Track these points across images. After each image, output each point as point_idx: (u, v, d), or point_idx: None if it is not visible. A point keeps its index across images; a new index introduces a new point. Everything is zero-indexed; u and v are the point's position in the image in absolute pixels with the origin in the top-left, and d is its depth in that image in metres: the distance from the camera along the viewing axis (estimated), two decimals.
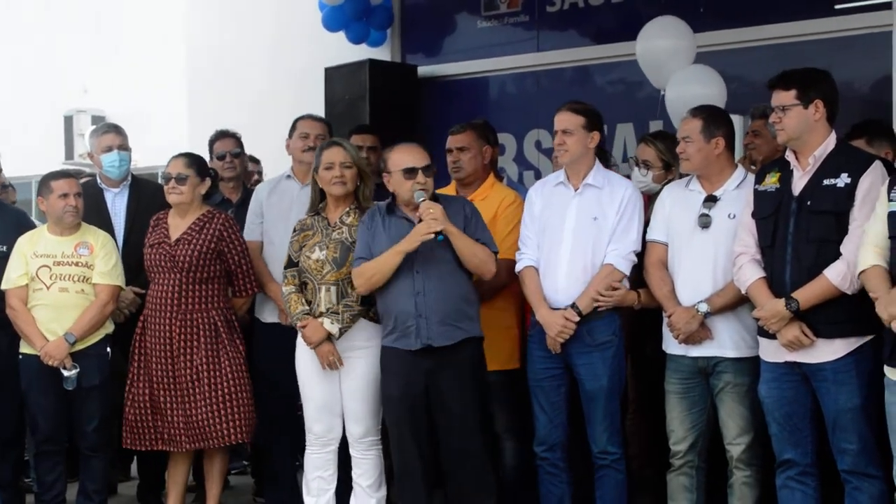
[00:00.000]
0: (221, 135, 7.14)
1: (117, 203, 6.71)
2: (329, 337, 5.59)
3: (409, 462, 5.51)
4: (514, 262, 5.73)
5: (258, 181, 7.80)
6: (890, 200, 4.55)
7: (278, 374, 6.19)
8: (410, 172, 5.46)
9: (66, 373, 6.05)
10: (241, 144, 7.12)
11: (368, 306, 5.61)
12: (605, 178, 5.50)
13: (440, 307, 5.42)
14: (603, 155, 5.69)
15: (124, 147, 6.72)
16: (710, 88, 6.61)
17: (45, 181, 6.23)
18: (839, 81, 5.04)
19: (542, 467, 5.60)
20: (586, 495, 5.60)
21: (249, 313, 6.47)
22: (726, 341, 5.23)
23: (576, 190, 5.51)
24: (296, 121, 6.55)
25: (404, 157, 5.51)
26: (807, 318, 4.80)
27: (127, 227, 6.63)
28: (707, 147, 5.29)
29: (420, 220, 5.38)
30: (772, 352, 4.96)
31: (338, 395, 5.73)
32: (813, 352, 4.83)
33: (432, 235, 5.32)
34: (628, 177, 6.00)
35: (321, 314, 5.62)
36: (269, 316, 6.37)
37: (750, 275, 5.00)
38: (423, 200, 5.41)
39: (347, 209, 5.74)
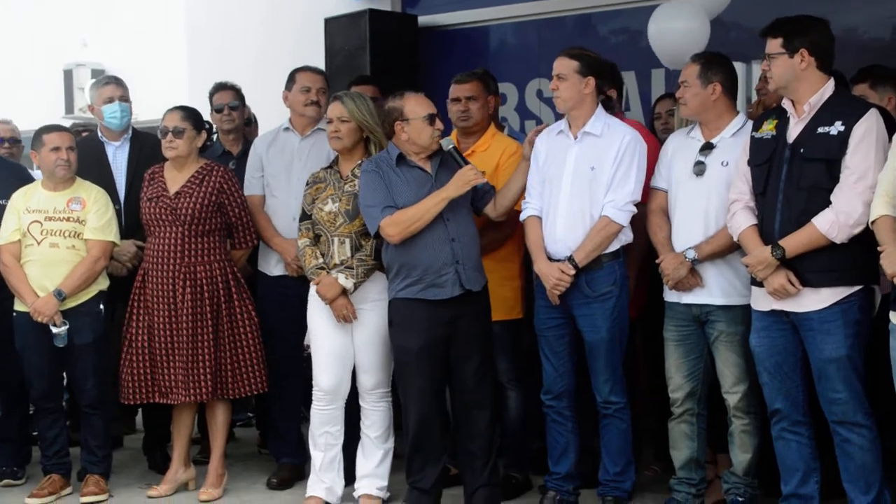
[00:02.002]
0: (220, 87, 7.10)
1: (118, 156, 6.69)
2: (343, 291, 5.60)
3: (427, 413, 5.54)
4: (516, 213, 5.73)
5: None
6: None
7: (283, 327, 6.22)
8: (432, 119, 5.49)
9: (55, 329, 6.02)
10: (240, 97, 7.08)
11: (381, 260, 5.63)
12: (605, 125, 5.44)
13: (472, 253, 5.50)
14: (607, 102, 5.66)
15: (125, 98, 6.70)
16: (692, 22, 6.56)
17: (38, 135, 6.19)
18: (843, 27, 5.00)
19: (548, 415, 5.62)
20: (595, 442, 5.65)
21: (251, 265, 6.46)
22: (715, 289, 5.24)
23: (575, 138, 5.48)
24: (294, 72, 6.48)
25: (422, 104, 5.55)
26: (794, 266, 4.79)
27: (128, 181, 6.60)
28: (704, 92, 5.27)
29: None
30: (761, 300, 4.96)
31: (350, 347, 5.76)
32: (800, 300, 4.82)
33: (482, 181, 5.43)
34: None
35: (335, 266, 5.63)
36: (274, 269, 6.36)
37: (742, 222, 4.99)
38: (454, 147, 5.51)
39: (359, 162, 5.74)
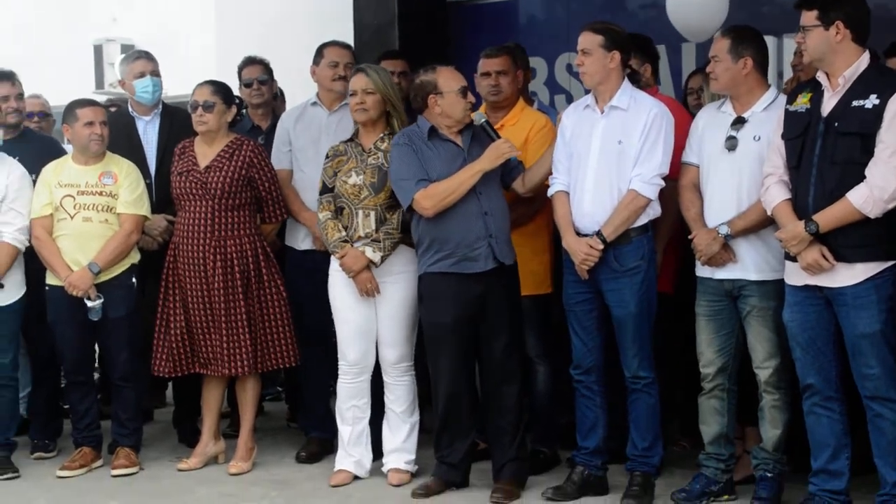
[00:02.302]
0: (249, 61, 7.11)
1: (149, 131, 6.70)
2: (368, 265, 5.61)
3: (457, 388, 5.57)
4: (545, 187, 5.72)
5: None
6: None
7: (311, 302, 6.22)
8: (465, 92, 5.53)
9: (90, 303, 6.06)
10: (269, 71, 7.09)
11: (407, 233, 5.64)
12: (631, 98, 5.42)
13: (504, 226, 5.53)
14: (633, 75, 5.64)
15: (156, 73, 6.71)
16: None
17: (71, 109, 6.20)
18: (873, 2, 4.95)
19: (577, 390, 5.62)
20: (623, 418, 5.62)
21: (279, 239, 6.48)
22: (749, 264, 5.22)
23: (601, 113, 5.46)
24: (321, 47, 6.49)
25: (455, 78, 5.58)
26: (828, 241, 4.75)
27: (159, 156, 6.62)
28: (735, 67, 5.22)
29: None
30: (795, 275, 4.93)
31: (373, 320, 5.78)
32: (834, 276, 4.79)
33: (517, 153, 5.49)
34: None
35: (359, 238, 5.65)
36: (302, 243, 6.37)
37: (776, 196, 4.96)
38: (486, 120, 5.56)
39: (382, 135, 5.75)
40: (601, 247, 5.32)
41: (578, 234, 5.41)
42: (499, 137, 5.52)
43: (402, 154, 5.53)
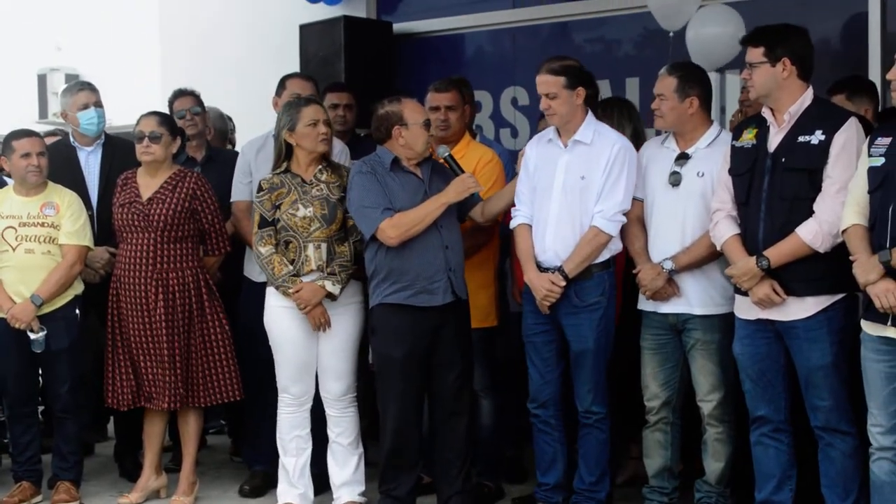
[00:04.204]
0: (180, 93, 7.05)
1: (91, 162, 6.64)
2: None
3: (407, 421, 5.52)
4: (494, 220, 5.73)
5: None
6: (870, 156, 4.54)
7: (266, 333, 6.16)
8: (428, 125, 5.52)
9: (33, 335, 5.99)
10: (200, 102, 7.02)
11: (360, 265, 5.62)
12: (594, 132, 5.42)
13: (461, 260, 5.52)
14: (595, 108, 5.66)
15: (100, 104, 6.65)
16: (728, 27, 6.52)
17: (8, 140, 6.13)
18: (816, 38, 5.02)
19: (534, 425, 5.60)
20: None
21: (224, 272, 6.41)
22: (693, 299, 5.25)
23: (565, 147, 5.46)
24: (284, 79, 6.46)
25: (419, 110, 5.57)
26: (779, 275, 4.80)
27: (101, 186, 6.55)
28: (681, 107, 5.27)
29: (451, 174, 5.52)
30: (745, 309, 4.98)
31: (315, 353, 5.74)
32: (785, 309, 4.84)
33: (481, 188, 5.50)
34: None
35: (310, 271, 5.60)
36: (260, 275, 6.25)
37: (724, 231, 5.00)
38: (450, 154, 5.54)
39: (320, 167, 5.71)
40: (563, 283, 5.32)
41: (540, 267, 5.41)
42: (462, 171, 5.50)
43: (364, 182, 5.48)
